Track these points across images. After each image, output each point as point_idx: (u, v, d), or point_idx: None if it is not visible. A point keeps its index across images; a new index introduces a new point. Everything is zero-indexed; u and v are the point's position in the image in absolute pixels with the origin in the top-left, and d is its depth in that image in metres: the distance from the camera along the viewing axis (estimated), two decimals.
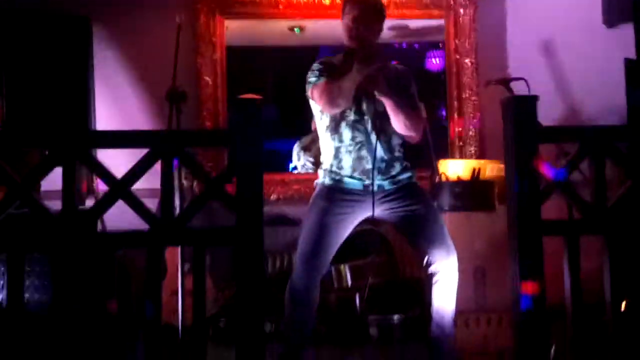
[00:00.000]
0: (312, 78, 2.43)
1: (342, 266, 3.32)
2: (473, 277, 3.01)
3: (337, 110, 2.38)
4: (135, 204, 1.64)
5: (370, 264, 3.41)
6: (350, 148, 2.40)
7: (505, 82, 2.90)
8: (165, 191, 1.69)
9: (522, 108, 1.79)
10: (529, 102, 1.81)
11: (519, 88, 3.04)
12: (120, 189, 1.63)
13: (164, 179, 1.68)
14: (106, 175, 1.64)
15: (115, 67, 3.82)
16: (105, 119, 3.52)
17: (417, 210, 2.37)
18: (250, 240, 1.68)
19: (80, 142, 1.66)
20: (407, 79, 2.52)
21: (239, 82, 4.34)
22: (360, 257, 3.40)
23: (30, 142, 1.74)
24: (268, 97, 4.75)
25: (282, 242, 3.67)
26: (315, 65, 2.45)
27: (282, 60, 4.63)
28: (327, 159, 2.48)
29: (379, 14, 2.48)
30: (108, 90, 3.73)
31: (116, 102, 3.78)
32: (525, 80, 2.80)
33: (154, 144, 1.66)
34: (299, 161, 3.98)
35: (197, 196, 1.72)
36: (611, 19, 3.88)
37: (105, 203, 1.66)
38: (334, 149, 2.44)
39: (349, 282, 3.34)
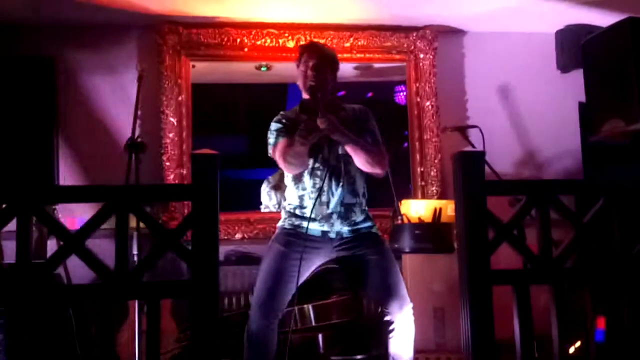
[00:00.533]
0: (270, 139, 2.50)
1: (305, 306, 3.33)
2: (433, 317, 3.05)
3: (295, 172, 2.44)
4: (89, 258, 1.65)
5: (334, 304, 3.42)
6: (313, 195, 2.44)
7: (461, 129, 3.01)
8: (120, 245, 1.70)
9: (470, 163, 1.86)
10: (477, 157, 1.88)
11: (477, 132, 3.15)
12: (74, 243, 1.64)
13: (118, 233, 1.69)
14: (60, 230, 1.64)
15: (80, 109, 3.79)
16: (69, 162, 3.51)
17: (373, 261, 2.41)
18: (206, 293, 1.70)
19: (36, 197, 1.66)
20: (365, 116, 2.58)
21: (208, 117, 4.38)
22: (324, 297, 3.41)
23: None
24: (238, 128, 4.80)
25: (247, 281, 3.67)
26: (273, 125, 2.52)
27: (251, 94, 4.69)
28: (291, 203, 2.52)
29: (334, 64, 2.57)
30: (73, 132, 3.72)
31: (80, 146, 3.75)
32: (480, 129, 2.91)
33: (108, 199, 1.67)
34: (271, 200, 4.01)
35: (151, 250, 1.73)
36: (565, 64, 4.04)
37: (58, 257, 1.66)
38: (297, 196, 2.48)
39: (313, 322, 3.34)
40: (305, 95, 2.55)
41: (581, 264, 1.96)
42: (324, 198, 2.42)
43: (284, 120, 2.52)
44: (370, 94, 4.58)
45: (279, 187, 2.72)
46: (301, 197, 2.47)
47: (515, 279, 1.89)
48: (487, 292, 1.80)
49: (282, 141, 2.45)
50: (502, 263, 1.98)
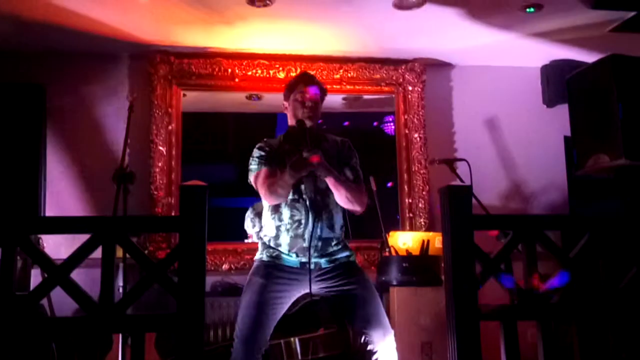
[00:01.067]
0: (252, 166, 2.50)
1: (292, 339, 3.29)
2: (420, 351, 3.03)
3: (276, 202, 2.44)
4: (73, 291, 1.63)
5: (320, 337, 3.39)
6: (289, 227, 2.44)
7: (449, 162, 3.03)
8: (106, 277, 1.68)
9: (457, 197, 1.87)
10: (464, 191, 1.89)
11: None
12: (59, 275, 1.62)
13: (104, 264, 1.67)
14: (45, 262, 1.63)
15: (69, 138, 3.79)
16: (56, 191, 3.49)
17: (353, 290, 2.40)
18: (191, 327, 1.68)
19: (21, 228, 1.65)
20: (348, 152, 2.58)
21: (198, 145, 4.39)
22: (310, 330, 3.38)
23: None
24: (227, 157, 4.81)
25: (233, 312, 3.63)
26: (256, 152, 2.53)
27: (241, 123, 4.72)
28: (267, 235, 2.50)
29: (324, 96, 2.62)
30: (60, 162, 3.71)
31: (69, 175, 3.74)
32: (467, 162, 2.93)
33: (95, 230, 1.66)
34: (254, 228, 3.99)
35: (138, 282, 1.71)
36: (551, 99, 4.12)
37: (42, 290, 1.64)
38: (274, 227, 2.47)
39: (299, 356, 3.30)
40: (291, 123, 2.56)
41: (567, 299, 1.96)
42: (300, 231, 2.42)
43: (267, 148, 2.52)
44: (375, 123, 4.61)
45: (261, 215, 2.71)
46: (278, 228, 2.46)
47: (503, 314, 1.89)
48: (475, 328, 1.79)
49: (263, 170, 2.45)
50: (487, 295, 1.99)
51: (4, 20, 3.40)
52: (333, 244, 2.46)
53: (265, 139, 2.59)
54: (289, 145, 2.49)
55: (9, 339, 1.66)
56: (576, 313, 1.95)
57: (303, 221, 2.42)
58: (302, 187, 2.43)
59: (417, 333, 2.95)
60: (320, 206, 2.43)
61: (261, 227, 2.63)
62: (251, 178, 2.50)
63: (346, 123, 4.64)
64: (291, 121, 2.59)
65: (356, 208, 2.48)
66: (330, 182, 2.38)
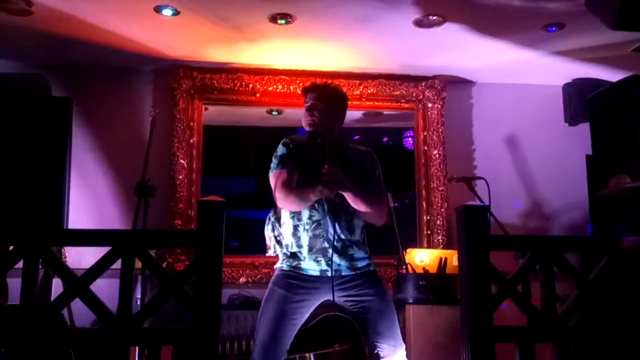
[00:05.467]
0: (273, 164, 2.48)
1: (307, 355, 3.29)
2: None
3: (288, 209, 2.45)
4: (92, 303, 1.66)
5: (336, 353, 3.38)
6: (307, 227, 2.43)
7: (467, 180, 3.02)
8: (124, 290, 1.71)
9: (474, 218, 1.87)
10: (480, 211, 1.89)
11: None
12: (78, 287, 1.66)
13: (122, 278, 1.70)
14: (65, 274, 1.66)
15: (92, 150, 3.87)
16: (79, 203, 3.56)
17: (371, 302, 2.39)
18: (206, 340, 1.70)
19: (43, 240, 1.69)
20: (371, 163, 2.56)
21: (219, 158, 4.43)
22: (326, 345, 3.37)
23: None
24: (248, 170, 4.84)
25: (249, 325, 3.65)
26: (279, 149, 2.50)
27: (262, 137, 4.75)
28: (286, 237, 2.50)
29: (337, 103, 2.57)
30: (84, 174, 3.78)
31: (92, 187, 3.81)
32: (486, 181, 2.91)
33: (114, 244, 1.69)
34: (274, 232, 4.00)
35: (155, 295, 1.74)
36: (573, 117, 4.07)
37: (62, 301, 1.68)
38: (292, 227, 2.47)
39: None
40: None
41: (585, 322, 1.94)
42: (318, 231, 2.42)
43: (291, 145, 2.50)
44: (385, 139, 4.62)
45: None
46: (295, 228, 2.46)
47: (519, 336, 1.87)
48: (490, 350, 1.78)
49: (283, 171, 2.44)
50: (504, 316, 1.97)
51: (34, 35, 3.49)
52: (354, 246, 2.46)
53: (291, 135, 2.57)
54: (314, 144, 2.48)
55: (29, 348, 1.69)
56: (594, 336, 1.93)
57: (322, 221, 2.42)
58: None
59: (432, 352, 2.93)
60: (339, 208, 2.43)
61: (280, 232, 2.61)
62: (270, 175, 2.51)
63: (359, 137, 4.66)
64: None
65: (375, 221, 2.48)
66: (348, 196, 2.39)
